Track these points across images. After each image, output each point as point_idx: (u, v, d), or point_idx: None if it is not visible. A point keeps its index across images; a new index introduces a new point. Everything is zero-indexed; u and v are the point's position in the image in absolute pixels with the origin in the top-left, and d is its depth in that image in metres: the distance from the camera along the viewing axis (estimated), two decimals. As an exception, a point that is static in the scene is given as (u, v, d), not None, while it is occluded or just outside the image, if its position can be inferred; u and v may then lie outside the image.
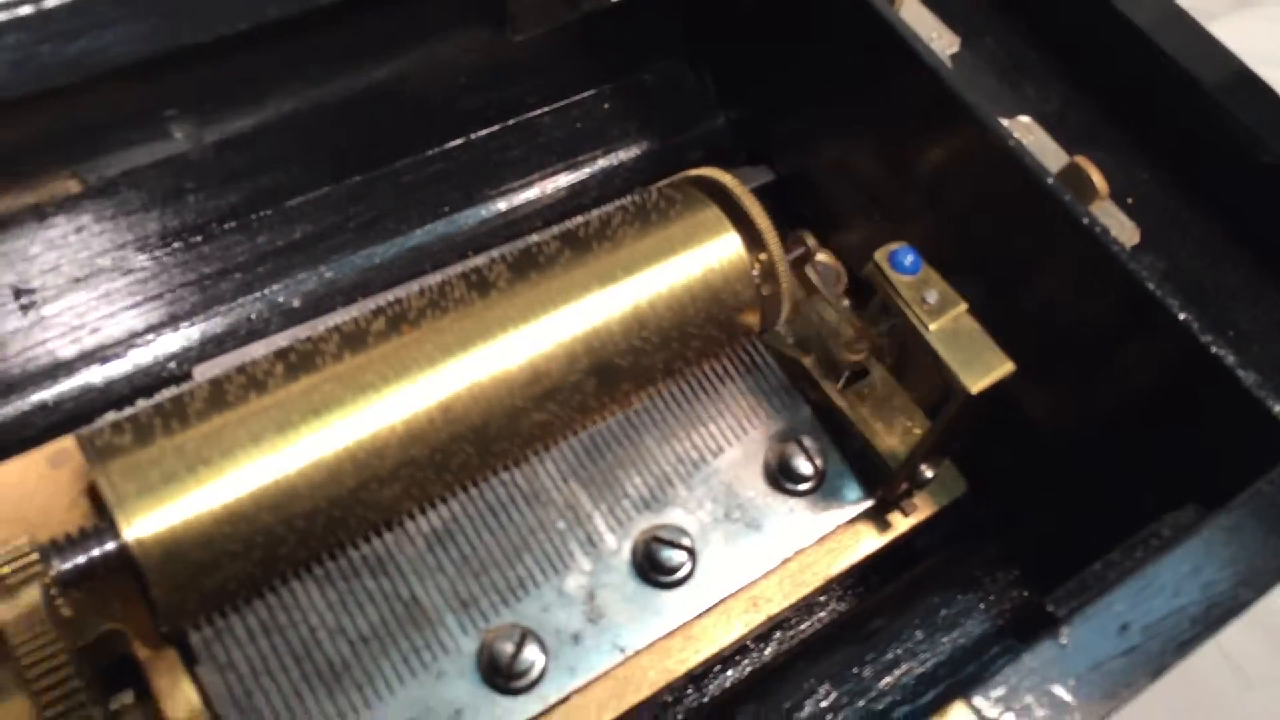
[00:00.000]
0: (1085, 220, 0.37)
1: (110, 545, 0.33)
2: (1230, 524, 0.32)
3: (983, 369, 0.36)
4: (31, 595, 0.30)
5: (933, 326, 0.36)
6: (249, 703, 0.33)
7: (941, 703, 0.28)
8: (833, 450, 0.41)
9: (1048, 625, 0.29)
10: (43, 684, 0.27)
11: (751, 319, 0.42)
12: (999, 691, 0.27)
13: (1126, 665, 0.29)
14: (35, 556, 0.33)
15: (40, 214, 0.39)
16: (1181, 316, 0.35)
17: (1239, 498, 0.32)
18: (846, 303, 0.43)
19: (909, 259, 0.37)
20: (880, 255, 0.37)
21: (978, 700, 0.27)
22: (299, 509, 0.34)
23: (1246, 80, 0.42)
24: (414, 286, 0.42)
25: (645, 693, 0.38)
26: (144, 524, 0.32)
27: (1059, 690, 0.28)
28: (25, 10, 0.34)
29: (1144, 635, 0.30)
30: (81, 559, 0.33)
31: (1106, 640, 0.29)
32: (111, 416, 0.37)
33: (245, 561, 0.34)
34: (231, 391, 0.35)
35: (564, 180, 0.48)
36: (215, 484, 0.33)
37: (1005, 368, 0.36)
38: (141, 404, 0.38)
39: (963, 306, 0.37)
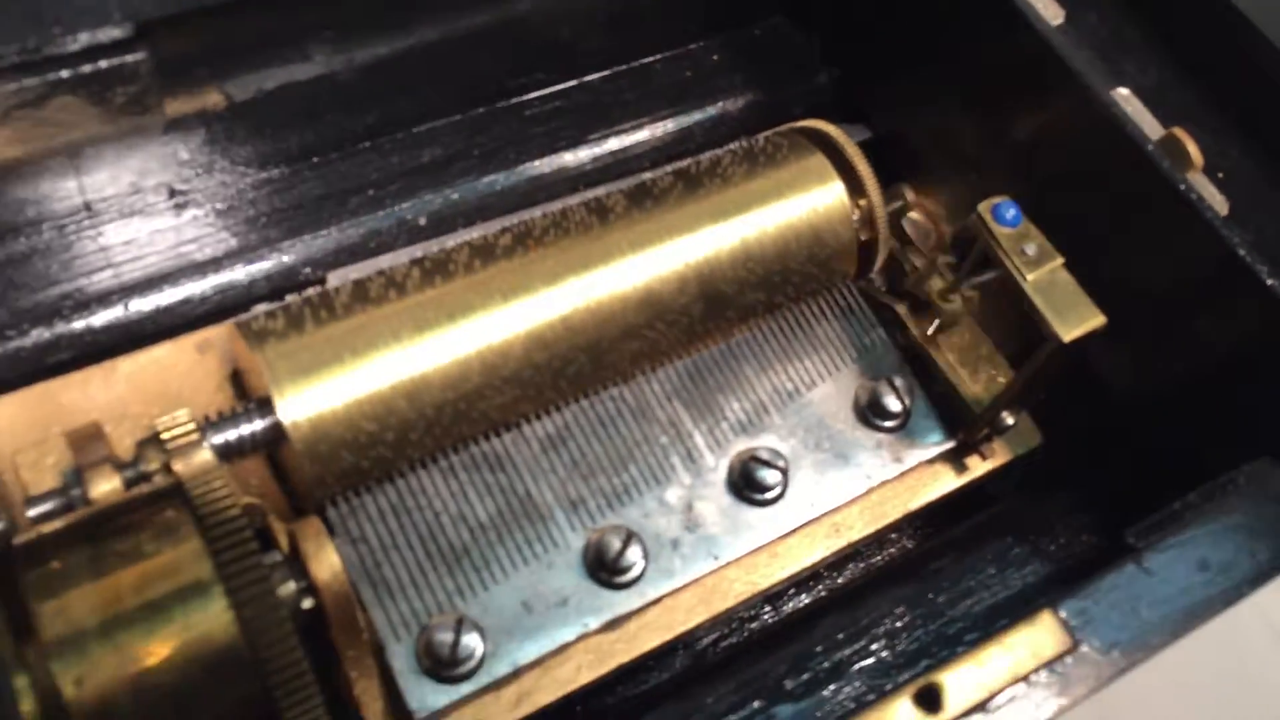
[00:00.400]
0: (1182, 186, 0.39)
1: (265, 420, 0.36)
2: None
3: (1076, 320, 0.38)
4: (205, 453, 0.33)
5: (1030, 277, 0.39)
6: (378, 574, 0.36)
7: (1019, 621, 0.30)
8: (919, 392, 0.44)
9: (1129, 554, 0.32)
10: (218, 532, 0.30)
11: (849, 263, 0.44)
12: (1085, 604, 0.30)
13: (1204, 594, 0.31)
14: (193, 427, 0.36)
15: (200, 120, 0.42)
16: (1269, 282, 0.37)
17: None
18: (940, 256, 0.45)
19: (1010, 213, 0.39)
20: (984, 207, 0.39)
21: (1064, 611, 0.30)
22: (430, 400, 0.37)
23: None
24: (532, 213, 0.45)
25: (731, 602, 0.40)
26: (296, 401, 0.35)
27: (1142, 609, 0.30)
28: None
29: (1220, 570, 0.32)
30: (234, 434, 0.36)
31: (1187, 572, 0.31)
32: (263, 307, 0.40)
33: (380, 444, 0.36)
34: (374, 291, 0.38)
35: (672, 125, 0.50)
36: (358, 371, 0.36)
37: (1097, 320, 0.38)
38: (289, 298, 0.41)
39: (1059, 260, 0.39)
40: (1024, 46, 0.42)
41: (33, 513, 0.35)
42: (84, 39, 0.34)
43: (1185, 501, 0.35)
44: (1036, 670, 0.29)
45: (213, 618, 0.30)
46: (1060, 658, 0.29)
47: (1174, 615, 0.30)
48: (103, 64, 0.35)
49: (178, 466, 0.32)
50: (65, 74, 0.35)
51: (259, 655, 0.30)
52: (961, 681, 0.28)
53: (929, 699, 0.28)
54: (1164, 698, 0.53)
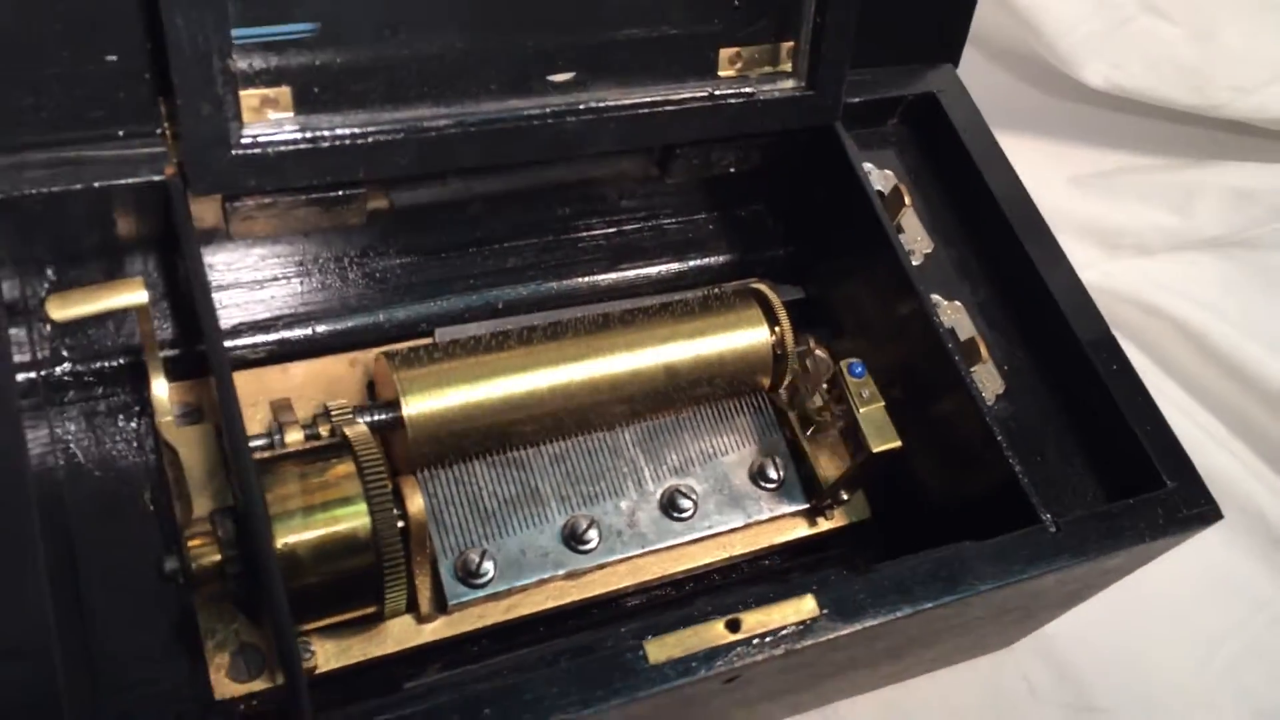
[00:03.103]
0: (965, 376, 0.64)
1: (392, 414, 0.60)
2: (985, 550, 0.58)
3: (882, 440, 0.62)
4: (362, 426, 0.57)
5: (862, 410, 0.63)
6: (440, 516, 0.61)
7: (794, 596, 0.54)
8: (792, 469, 0.68)
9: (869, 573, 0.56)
10: (369, 474, 0.55)
11: (764, 380, 0.69)
12: (831, 595, 0.54)
13: (898, 604, 0.55)
14: (350, 409, 0.61)
15: (377, 219, 0.67)
16: (1005, 446, 0.62)
17: (994, 539, 0.58)
18: (825, 386, 0.69)
19: (859, 369, 0.64)
20: (843, 364, 0.64)
21: (821, 597, 0.54)
22: (488, 418, 0.61)
23: (1106, 339, 0.67)
24: (570, 312, 0.70)
25: (648, 577, 0.65)
26: (414, 405, 0.60)
27: (863, 603, 0.54)
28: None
29: (914, 596, 0.56)
30: (370, 418, 0.61)
31: (894, 594, 0.55)
32: (392, 347, 0.64)
33: (454, 439, 0.61)
34: (465, 346, 0.63)
35: (674, 268, 0.75)
36: (450, 393, 0.61)
37: (895, 444, 0.63)
38: (407, 344, 0.66)
39: (881, 403, 0.63)
40: (892, 266, 0.67)
41: (251, 445, 0.60)
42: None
43: (917, 556, 0.59)
44: (796, 623, 0.53)
45: (358, 519, 0.54)
46: (810, 619, 0.53)
47: (881, 610, 0.54)
48: (341, 193, 0.61)
49: (348, 431, 0.57)
50: (316, 196, 0.60)
51: (378, 544, 0.55)
52: (754, 620, 0.52)
53: (734, 625, 0.52)
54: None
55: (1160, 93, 0.93)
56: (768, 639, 0.52)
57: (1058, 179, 1.02)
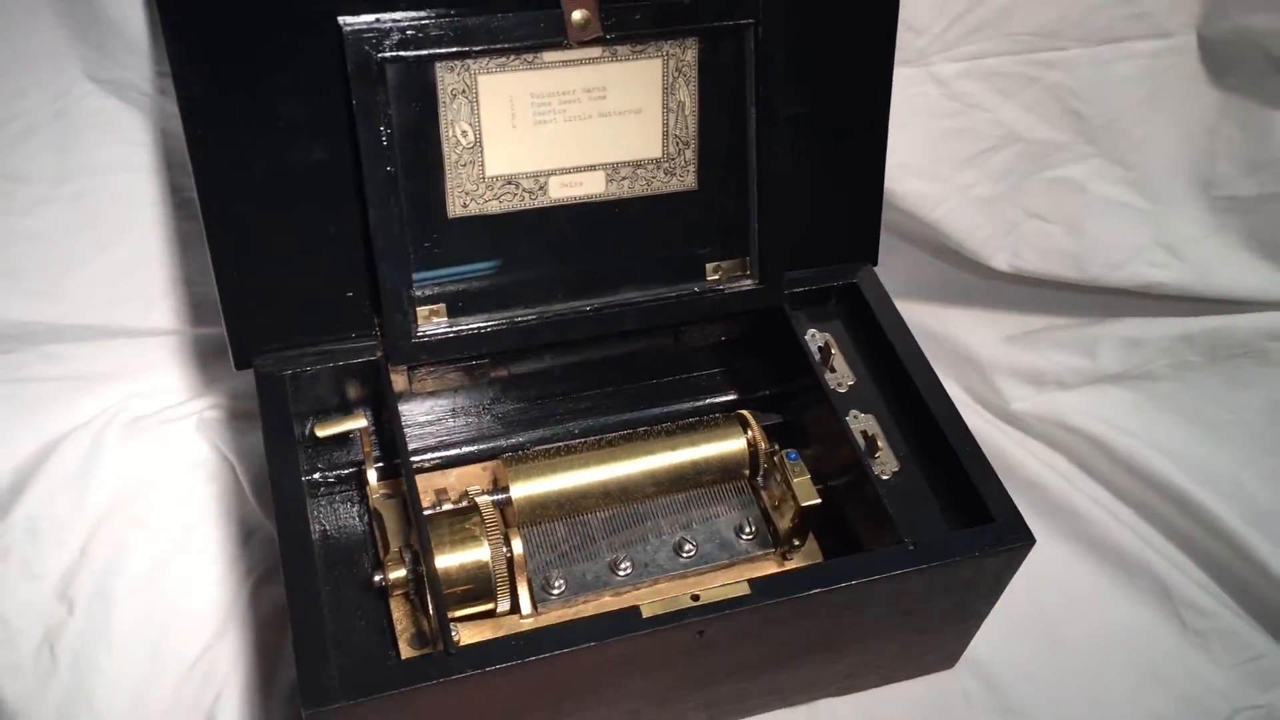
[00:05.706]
0: (866, 461, 0.99)
1: (505, 495, 1.00)
2: (861, 559, 0.91)
3: (806, 499, 0.98)
4: (487, 500, 0.97)
5: (794, 480, 0.99)
6: (532, 554, 0.99)
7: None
8: (763, 526, 1.03)
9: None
10: (489, 525, 0.94)
11: (744, 471, 1.06)
12: (767, 583, 0.88)
13: (796, 587, 0.89)
14: (481, 490, 1.01)
15: (496, 381, 1.09)
16: (893, 513, 0.95)
17: (868, 553, 0.92)
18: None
19: (794, 455, 1.00)
20: (782, 453, 1.00)
21: (754, 583, 0.89)
22: (563, 495, 1.00)
23: (963, 432, 1.01)
24: (619, 433, 1.09)
25: (663, 597, 1.00)
26: (518, 489, 1.00)
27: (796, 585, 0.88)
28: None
29: (811, 581, 0.89)
30: (494, 498, 1.01)
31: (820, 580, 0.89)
32: (506, 456, 1.05)
33: (544, 507, 1.00)
34: (550, 455, 1.03)
35: (693, 404, 1.14)
36: (539, 481, 1.01)
37: (816, 500, 0.98)
38: (523, 451, 1.06)
39: (808, 475, 0.99)
40: (821, 396, 1.04)
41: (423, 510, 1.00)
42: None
43: (821, 563, 0.92)
44: (734, 597, 0.87)
45: (481, 551, 0.93)
46: (743, 595, 0.87)
47: (791, 592, 0.88)
48: (474, 363, 1.03)
49: (478, 502, 0.97)
50: (461, 366, 1.03)
51: (493, 565, 0.93)
52: (708, 594, 0.87)
53: (695, 598, 0.87)
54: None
55: (1053, 272, 1.28)
56: (716, 606, 0.87)
57: (994, 338, 1.37)
